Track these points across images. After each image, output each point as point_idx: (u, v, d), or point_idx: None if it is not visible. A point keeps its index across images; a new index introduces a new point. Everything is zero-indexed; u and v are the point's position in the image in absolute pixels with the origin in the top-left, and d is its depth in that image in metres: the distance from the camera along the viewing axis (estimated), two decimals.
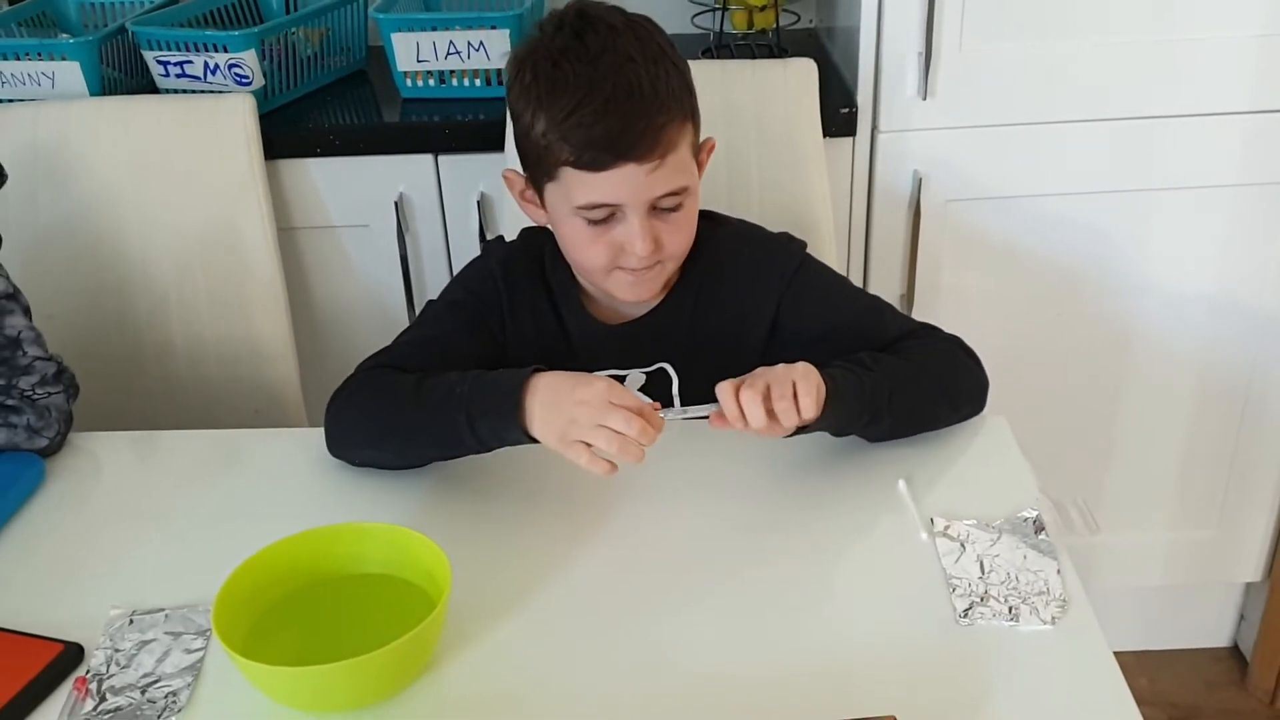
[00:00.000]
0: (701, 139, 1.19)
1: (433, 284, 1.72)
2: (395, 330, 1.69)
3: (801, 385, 1.01)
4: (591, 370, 1.23)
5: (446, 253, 1.71)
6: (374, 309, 1.74)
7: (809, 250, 1.25)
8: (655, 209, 1.12)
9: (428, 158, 1.65)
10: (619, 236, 1.12)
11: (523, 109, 1.11)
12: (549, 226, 1.20)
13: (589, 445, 0.99)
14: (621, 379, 1.24)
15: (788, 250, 1.24)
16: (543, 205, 1.17)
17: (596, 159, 1.07)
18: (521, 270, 1.24)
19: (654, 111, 1.08)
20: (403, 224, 1.67)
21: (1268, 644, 1.97)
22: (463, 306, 1.24)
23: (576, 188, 1.10)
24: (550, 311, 1.24)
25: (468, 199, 1.66)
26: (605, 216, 1.11)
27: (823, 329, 1.21)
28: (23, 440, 1.17)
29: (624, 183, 1.08)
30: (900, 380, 1.11)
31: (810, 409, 1.01)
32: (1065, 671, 0.89)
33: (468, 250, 1.68)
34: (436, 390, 1.08)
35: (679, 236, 1.15)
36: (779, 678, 0.89)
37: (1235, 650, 2.09)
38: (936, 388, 1.15)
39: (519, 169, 1.18)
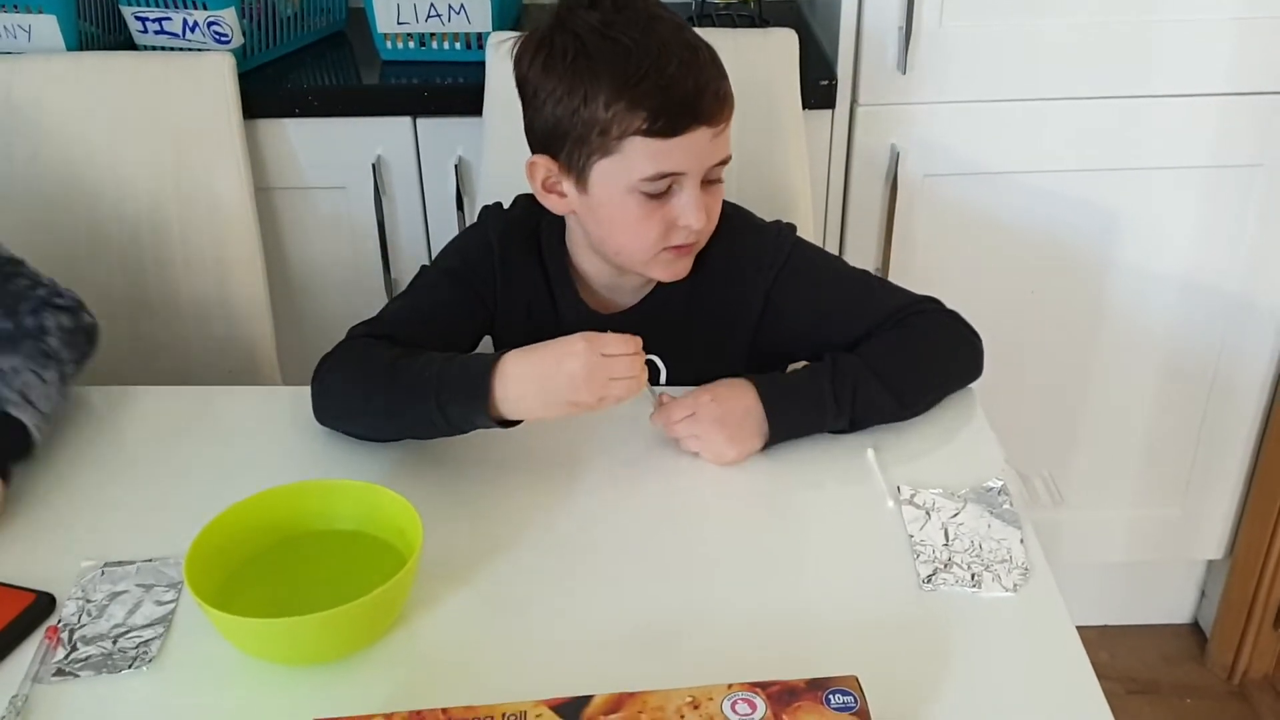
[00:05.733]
0: None
1: (409, 247, 1.72)
2: (371, 293, 1.71)
3: (709, 448, 1.09)
4: None
5: (423, 216, 1.71)
6: (350, 271, 1.74)
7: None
8: (704, 180, 1.11)
9: (406, 120, 1.64)
10: (672, 211, 1.11)
11: (567, 88, 1.07)
12: (569, 216, 1.19)
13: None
14: None
15: (777, 241, 1.23)
16: (580, 189, 1.13)
17: (673, 124, 1.06)
18: (518, 246, 1.23)
19: (719, 73, 1.09)
20: (380, 187, 1.67)
21: (1227, 620, 2.01)
22: (456, 276, 1.23)
23: (643, 158, 1.08)
24: (545, 294, 1.24)
25: (445, 163, 1.66)
26: (663, 190, 1.10)
27: (813, 314, 1.21)
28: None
29: (693, 148, 1.08)
30: (876, 395, 1.11)
31: (706, 453, 1.10)
32: (1025, 637, 0.91)
33: (444, 214, 1.68)
34: (408, 372, 1.07)
35: (717, 209, 1.15)
36: (745, 638, 0.90)
37: (1195, 626, 2.13)
38: (915, 382, 1.15)
39: (547, 155, 1.14)
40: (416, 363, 1.07)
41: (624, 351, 1.01)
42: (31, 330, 1.15)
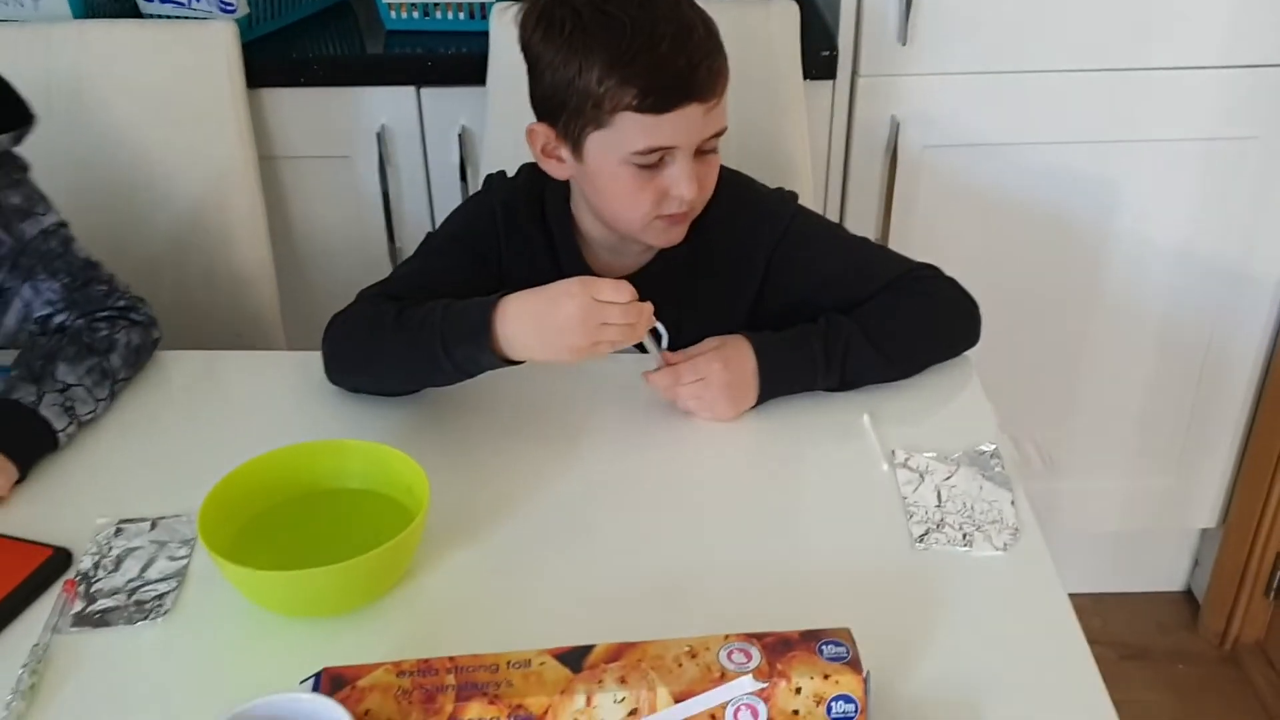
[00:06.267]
0: None
1: (413, 216, 1.74)
2: (375, 262, 1.72)
3: (712, 411, 1.13)
4: None
5: (427, 185, 1.72)
6: (354, 239, 1.75)
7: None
8: (698, 151, 1.13)
9: (410, 90, 1.65)
10: (664, 181, 1.12)
11: (563, 60, 1.09)
12: (571, 180, 1.20)
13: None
14: None
15: (778, 208, 1.25)
16: (576, 158, 1.15)
17: (664, 100, 1.07)
18: (522, 212, 1.25)
19: (713, 49, 1.10)
20: (384, 156, 1.68)
21: (1219, 588, 2.03)
22: (461, 241, 1.25)
23: (634, 133, 1.09)
24: (548, 259, 1.25)
25: (449, 132, 1.67)
26: (655, 162, 1.12)
27: (813, 280, 1.23)
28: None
29: (684, 123, 1.09)
30: (867, 357, 1.15)
31: (704, 414, 1.14)
32: (1014, 594, 0.93)
33: (448, 183, 1.70)
34: (414, 319, 1.09)
35: (712, 178, 1.17)
36: (742, 592, 0.93)
37: (1188, 594, 2.15)
38: (906, 343, 1.17)
39: (545, 123, 1.15)
40: (421, 310, 1.10)
41: (618, 299, 1.03)
42: (100, 346, 1.19)
